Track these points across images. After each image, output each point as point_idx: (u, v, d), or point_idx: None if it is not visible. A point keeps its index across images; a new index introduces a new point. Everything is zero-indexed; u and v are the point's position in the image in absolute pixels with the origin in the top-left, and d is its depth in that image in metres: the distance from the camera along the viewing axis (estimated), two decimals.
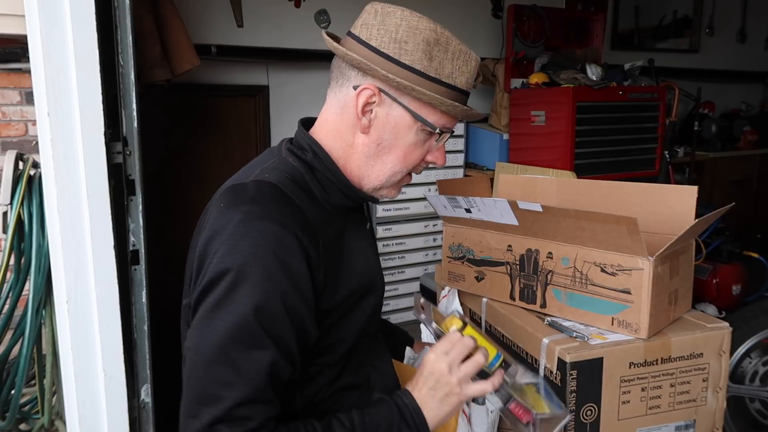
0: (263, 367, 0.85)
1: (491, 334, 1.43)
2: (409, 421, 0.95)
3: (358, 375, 1.08)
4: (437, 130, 0.98)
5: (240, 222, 0.87)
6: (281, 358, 0.87)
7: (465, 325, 1.05)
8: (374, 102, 0.95)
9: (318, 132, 1.03)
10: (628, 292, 1.19)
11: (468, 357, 1.00)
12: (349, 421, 0.92)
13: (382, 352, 1.20)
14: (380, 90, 0.94)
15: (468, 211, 1.35)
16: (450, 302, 1.58)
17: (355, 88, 0.96)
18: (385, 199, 1.08)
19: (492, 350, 1.05)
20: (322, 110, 1.05)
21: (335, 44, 0.98)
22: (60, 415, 1.92)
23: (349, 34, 0.99)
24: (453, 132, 1.03)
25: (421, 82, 0.93)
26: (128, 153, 1.46)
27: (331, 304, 0.96)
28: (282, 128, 2.98)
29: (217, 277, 0.86)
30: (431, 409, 0.97)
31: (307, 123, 1.07)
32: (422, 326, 1.62)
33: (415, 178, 1.14)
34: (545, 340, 1.19)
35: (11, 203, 1.76)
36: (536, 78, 3.00)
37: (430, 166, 1.07)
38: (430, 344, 1.36)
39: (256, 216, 0.87)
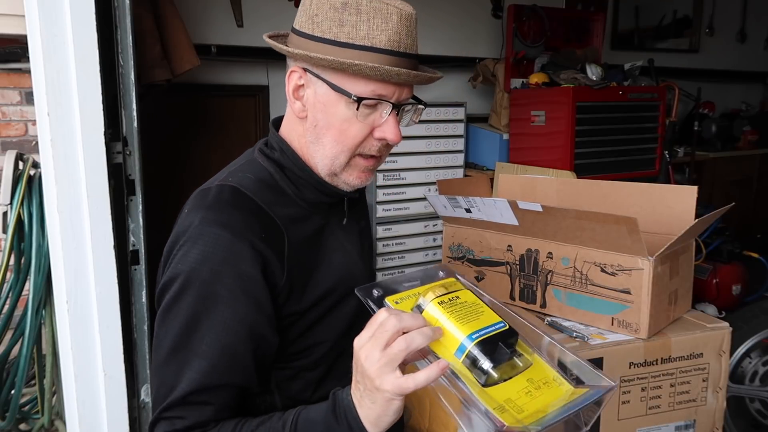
0: (197, 374, 0.85)
1: None
2: (340, 420, 0.81)
3: (348, 378, 1.04)
4: (353, 97, 0.89)
5: (195, 227, 0.87)
6: (234, 370, 0.87)
7: (448, 293, 0.82)
8: (302, 84, 0.94)
9: (282, 129, 1.02)
10: (628, 292, 1.19)
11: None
12: (285, 420, 0.86)
13: None
14: (305, 70, 0.92)
15: (468, 211, 1.35)
16: None
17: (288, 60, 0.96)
18: (354, 188, 1.00)
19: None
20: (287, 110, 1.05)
21: (265, 37, 0.99)
22: (60, 415, 1.92)
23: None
24: (397, 103, 0.92)
25: (334, 51, 0.88)
26: (128, 153, 1.46)
27: (301, 307, 0.94)
28: None
29: (168, 282, 0.88)
30: (365, 407, 0.79)
31: (279, 122, 1.06)
32: None
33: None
34: (545, 340, 1.19)
35: (11, 203, 1.76)
36: (536, 78, 3.00)
37: (392, 147, 0.98)
38: None
39: (210, 222, 0.87)
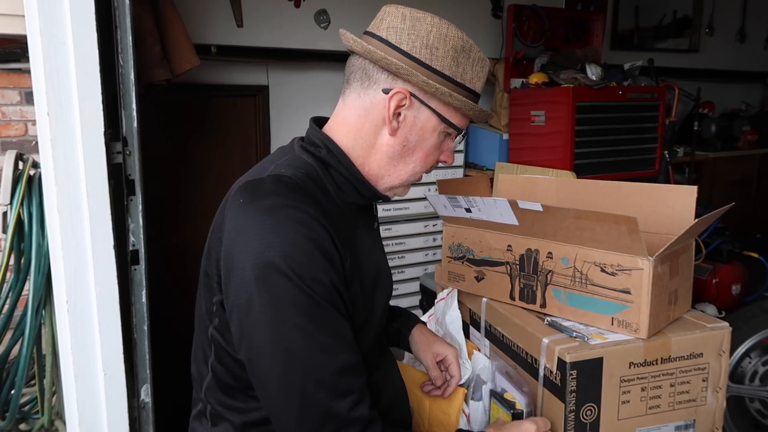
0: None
1: (491, 334, 1.43)
2: None
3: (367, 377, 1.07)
4: (460, 131, 1.04)
5: (266, 215, 0.86)
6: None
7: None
8: (404, 105, 0.98)
9: (333, 131, 1.03)
10: (628, 292, 1.19)
11: None
12: None
13: (386, 353, 1.20)
14: (411, 94, 0.98)
15: (468, 210, 1.35)
16: (448, 305, 1.58)
17: (385, 91, 0.97)
18: (396, 198, 1.11)
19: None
20: (336, 110, 1.05)
21: (369, 47, 0.97)
22: (60, 415, 1.92)
23: (372, 35, 1.00)
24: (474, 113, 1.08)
25: (450, 87, 0.98)
26: (128, 153, 1.46)
27: (351, 296, 0.97)
28: (282, 128, 2.98)
29: (261, 273, 0.84)
30: None
31: (319, 122, 1.08)
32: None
33: None
34: (545, 340, 1.19)
35: (11, 203, 1.76)
36: (536, 78, 3.00)
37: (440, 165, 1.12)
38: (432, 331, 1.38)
39: (281, 206, 0.87)
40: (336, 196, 1.00)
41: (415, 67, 0.96)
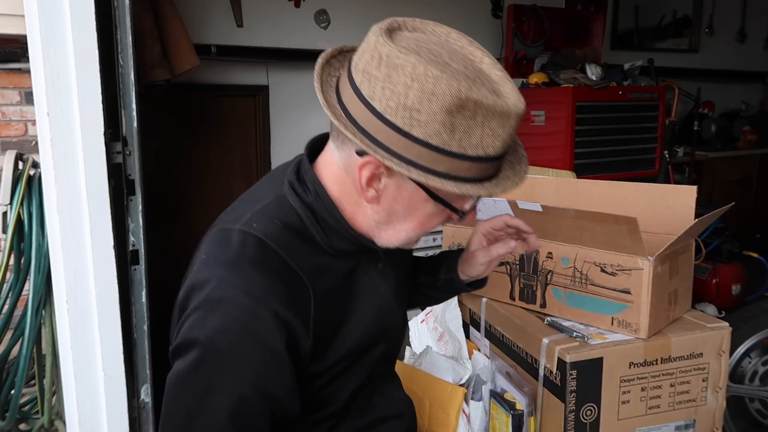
0: None
1: (491, 334, 1.43)
2: None
3: (364, 414, 1.01)
4: (461, 213, 0.84)
5: (213, 289, 0.79)
6: None
7: None
8: (382, 173, 0.80)
9: (322, 174, 0.88)
10: (628, 292, 1.19)
11: None
12: None
13: (392, 379, 1.12)
14: (385, 165, 0.77)
15: None
16: (448, 303, 1.58)
17: (359, 153, 0.78)
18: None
19: None
20: (327, 149, 0.89)
21: (334, 105, 0.81)
22: (60, 415, 1.92)
23: (349, 77, 0.79)
24: (481, 195, 0.82)
25: (437, 159, 0.74)
26: (128, 153, 1.46)
27: (325, 365, 0.88)
28: (282, 128, 2.97)
29: (183, 346, 0.79)
30: None
31: (315, 148, 0.92)
32: (410, 324, 1.62)
33: None
34: (545, 340, 1.19)
35: (11, 203, 1.76)
36: (536, 78, 3.00)
37: None
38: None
39: (231, 285, 0.78)
40: (325, 244, 0.87)
41: (386, 132, 0.74)
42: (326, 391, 0.91)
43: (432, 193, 0.80)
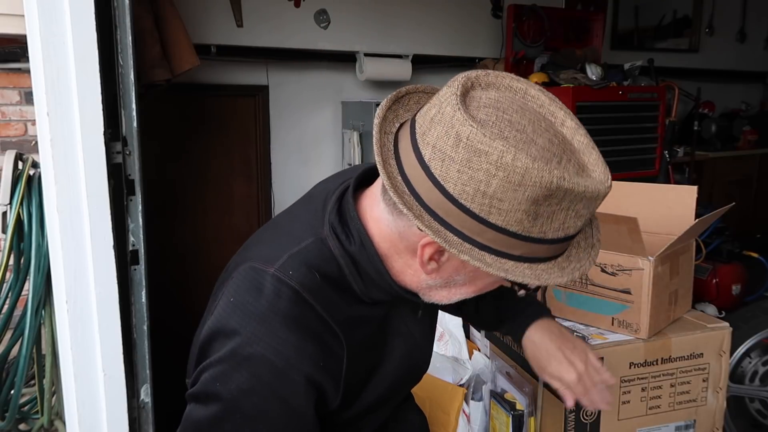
0: None
1: (491, 334, 1.43)
2: None
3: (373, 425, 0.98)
4: (529, 289, 0.80)
5: (241, 345, 0.73)
6: None
7: None
8: (443, 254, 0.74)
9: (370, 225, 0.80)
10: (629, 292, 1.19)
11: None
12: None
13: (408, 402, 1.10)
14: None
15: None
16: None
17: (420, 227, 0.69)
18: None
19: None
20: (376, 199, 0.79)
21: (397, 178, 0.71)
22: (60, 415, 1.92)
23: (414, 147, 0.69)
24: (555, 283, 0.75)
25: (514, 244, 0.68)
26: (128, 153, 1.46)
27: (352, 414, 0.85)
28: (282, 128, 2.97)
29: (204, 396, 0.75)
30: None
31: (363, 182, 0.84)
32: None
33: None
34: None
35: (11, 203, 1.76)
36: (536, 78, 2.99)
37: None
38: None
39: (261, 344, 0.73)
40: (361, 293, 0.81)
41: (460, 217, 0.67)
42: (350, 428, 0.89)
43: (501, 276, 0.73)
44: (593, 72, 2.92)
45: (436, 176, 0.67)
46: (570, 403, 0.97)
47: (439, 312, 1.54)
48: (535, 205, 0.65)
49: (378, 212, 0.78)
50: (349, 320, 0.80)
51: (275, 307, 0.74)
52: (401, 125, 0.76)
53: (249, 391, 0.73)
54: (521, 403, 1.23)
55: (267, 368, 0.73)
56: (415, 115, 0.73)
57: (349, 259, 0.80)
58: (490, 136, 0.63)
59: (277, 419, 0.74)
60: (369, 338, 0.84)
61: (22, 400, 1.94)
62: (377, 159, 0.71)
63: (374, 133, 0.73)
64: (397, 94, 0.78)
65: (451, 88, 0.68)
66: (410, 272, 0.80)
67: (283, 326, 0.74)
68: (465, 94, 0.69)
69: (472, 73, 0.71)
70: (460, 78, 0.70)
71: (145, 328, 1.51)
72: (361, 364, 0.83)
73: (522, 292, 0.82)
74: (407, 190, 0.70)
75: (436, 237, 0.68)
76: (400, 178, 0.71)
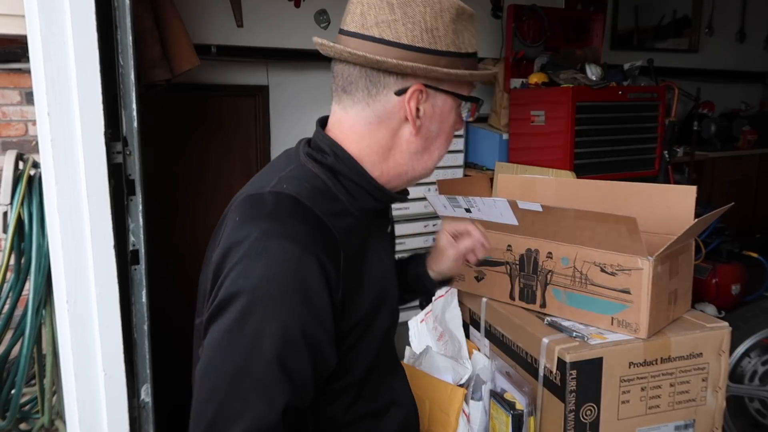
0: (276, 404, 0.79)
1: (491, 334, 1.43)
2: None
3: (377, 400, 1.02)
4: (479, 102, 0.99)
5: (256, 240, 0.81)
6: (296, 393, 0.81)
7: None
8: (422, 99, 0.91)
9: (342, 139, 0.95)
10: (628, 292, 1.19)
11: None
12: None
13: (398, 369, 1.14)
14: (425, 85, 0.90)
15: (468, 210, 1.35)
16: (448, 302, 1.58)
17: (398, 93, 0.90)
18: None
19: None
20: (338, 118, 0.96)
21: (375, 57, 0.87)
22: (60, 414, 1.92)
23: (360, 35, 0.89)
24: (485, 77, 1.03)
25: (457, 62, 0.91)
26: (128, 153, 1.46)
27: (349, 325, 0.90)
28: (282, 128, 2.97)
29: (228, 298, 0.80)
30: None
31: (325, 123, 1.00)
32: (410, 323, 1.63)
33: None
34: (545, 340, 1.20)
35: (11, 203, 1.76)
36: (536, 78, 3.00)
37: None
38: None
39: (275, 234, 0.81)
40: (350, 204, 0.92)
41: (422, 58, 0.88)
42: (346, 359, 0.92)
43: (458, 95, 0.94)
44: (593, 72, 2.92)
45: (391, 39, 0.87)
46: (476, 233, 1.18)
47: (440, 312, 1.55)
48: (454, 23, 0.89)
49: (349, 120, 0.94)
50: (342, 228, 0.88)
51: (280, 208, 0.85)
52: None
53: (271, 277, 0.79)
54: (521, 403, 1.23)
55: (284, 254, 0.80)
56: (340, 29, 0.92)
57: (329, 172, 0.92)
58: None
59: (299, 301, 0.80)
60: (357, 251, 0.92)
61: (23, 399, 1.95)
62: (350, 55, 0.88)
63: (339, 50, 0.90)
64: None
65: None
66: (393, 155, 0.94)
67: (290, 218, 0.84)
68: None
69: None
70: None
71: (146, 327, 1.52)
72: (353, 270, 0.89)
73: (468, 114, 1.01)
74: (380, 59, 0.87)
75: (423, 76, 0.89)
76: (392, 60, 0.87)
